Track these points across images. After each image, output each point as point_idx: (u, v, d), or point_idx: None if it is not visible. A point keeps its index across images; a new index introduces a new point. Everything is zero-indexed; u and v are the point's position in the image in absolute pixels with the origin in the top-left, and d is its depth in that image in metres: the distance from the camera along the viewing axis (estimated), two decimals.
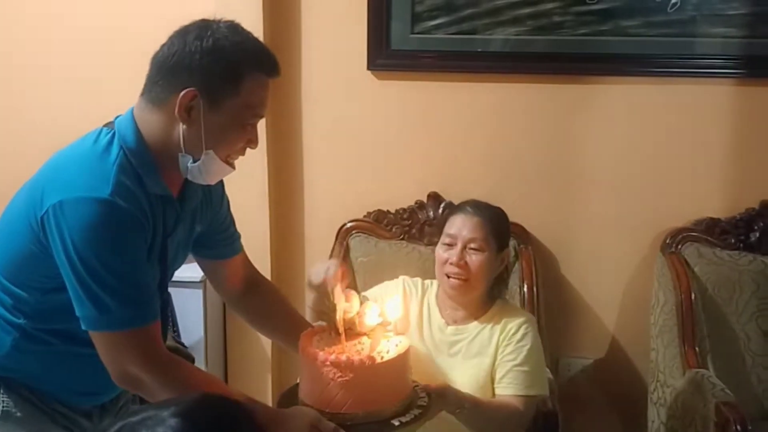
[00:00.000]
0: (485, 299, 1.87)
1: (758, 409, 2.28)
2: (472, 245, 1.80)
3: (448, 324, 1.86)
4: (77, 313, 1.31)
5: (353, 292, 1.56)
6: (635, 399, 2.44)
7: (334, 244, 2.47)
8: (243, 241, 2.44)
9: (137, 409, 0.93)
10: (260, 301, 1.74)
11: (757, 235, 2.39)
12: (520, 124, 2.47)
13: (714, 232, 2.41)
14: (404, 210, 2.49)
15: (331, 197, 2.54)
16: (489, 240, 1.81)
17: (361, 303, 1.56)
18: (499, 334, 1.80)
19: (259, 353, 2.54)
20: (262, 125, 2.34)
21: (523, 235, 2.43)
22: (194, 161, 1.35)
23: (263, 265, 2.47)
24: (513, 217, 2.43)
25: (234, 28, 1.36)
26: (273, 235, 2.52)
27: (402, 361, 1.48)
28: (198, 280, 2.32)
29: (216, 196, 1.59)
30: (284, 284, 2.56)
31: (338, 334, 1.52)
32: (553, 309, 2.51)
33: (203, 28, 1.34)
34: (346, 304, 1.51)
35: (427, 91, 2.48)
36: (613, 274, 2.50)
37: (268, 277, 2.49)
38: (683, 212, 2.43)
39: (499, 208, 1.93)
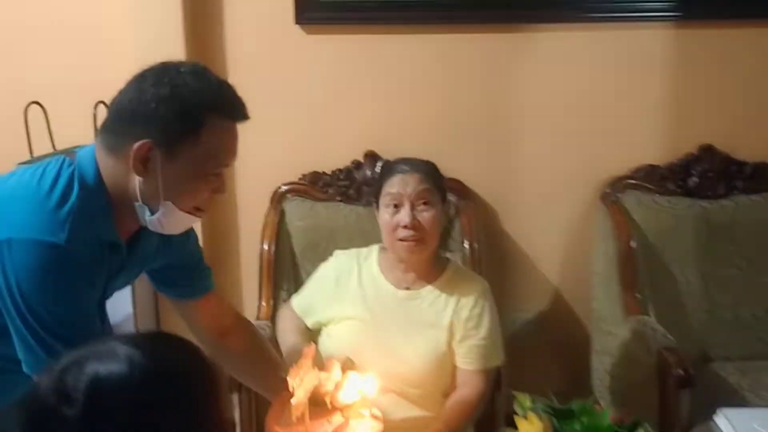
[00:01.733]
0: (435, 259, 1.82)
1: (699, 353, 2.30)
2: (421, 201, 1.73)
3: (399, 288, 1.80)
4: (20, 356, 1.22)
5: (335, 362, 1.45)
6: (579, 349, 2.44)
7: (269, 208, 2.38)
8: None
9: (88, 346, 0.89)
10: (238, 347, 1.61)
11: (696, 180, 2.39)
12: (456, 76, 2.40)
13: (653, 178, 2.40)
14: (340, 170, 2.41)
15: (264, 160, 2.44)
16: (434, 193, 1.75)
17: (343, 372, 1.44)
18: (455, 305, 1.76)
19: None
20: None
21: (462, 190, 2.38)
22: (152, 212, 1.26)
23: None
24: (451, 172, 2.39)
25: (196, 72, 1.27)
26: None
27: None
28: None
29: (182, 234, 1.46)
30: (217, 254, 2.47)
31: (314, 405, 1.39)
32: (496, 263, 2.48)
33: (161, 73, 1.24)
34: (320, 377, 1.39)
35: (358, 46, 2.38)
36: (554, 226, 2.48)
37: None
38: (622, 160, 2.41)
39: (432, 163, 1.86)
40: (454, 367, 1.76)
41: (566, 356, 2.55)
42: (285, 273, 2.32)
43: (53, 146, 2.33)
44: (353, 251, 1.89)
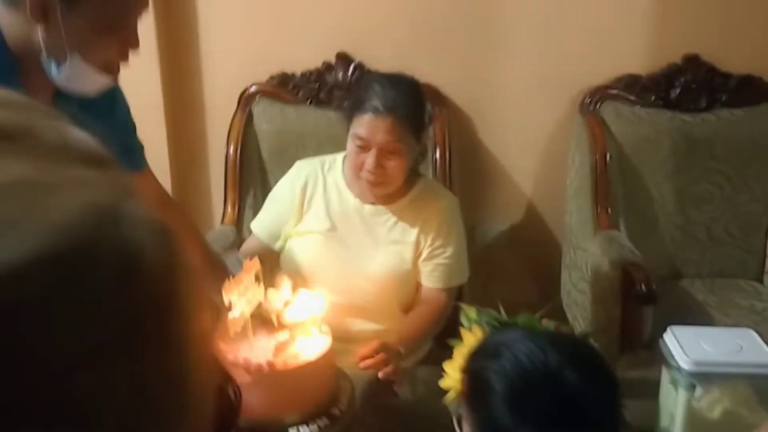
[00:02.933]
0: (405, 183, 1.70)
1: (670, 270, 2.28)
2: (389, 149, 1.57)
3: (365, 203, 1.70)
4: None
5: (285, 279, 1.38)
6: (550, 263, 2.42)
7: (236, 110, 2.30)
8: (134, 110, 2.27)
9: None
10: None
11: (678, 91, 2.30)
12: None
13: (634, 89, 2.31)
14: (311, 72, 2.31)
15: (231, 59, 2.34)
16: (407, 138, 1.59)
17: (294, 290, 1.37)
18: (422, 222, 1.68)
19: None
20: None
21: (437, 97, 2.29)
22: (59, 66, 1.15)
23: (158, 137, 2.31)
24: (427, 77, 2.29)
25: None
26: (167, 103, 2.31)
27: (312, 368, 1.30)
28: None
29: (105, 101, 1.36)
30: (184, 157, 2.41)
31: (263, 322, 1.34)
32: (468, 175, 2.43)
33: None
34: (262, 293, 1.32)
35: None
36: (531, 137, 2.41)
37: (165, 150, 2.34)
38: (603, 69, 2.31)
39: (412, 85, 1.67)
40: (417, 284, 1.72)
41: (538, 271, 2.54)
42: (252, 177, 2.26)
43: None
44: (316, 160, 1.79)
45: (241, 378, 1.24)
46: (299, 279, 1.49)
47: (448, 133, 2.25)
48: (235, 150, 2.23)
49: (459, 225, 1.74)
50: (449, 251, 1.69)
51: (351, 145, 1.61)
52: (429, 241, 1.68)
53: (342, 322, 1.62)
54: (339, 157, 1.76)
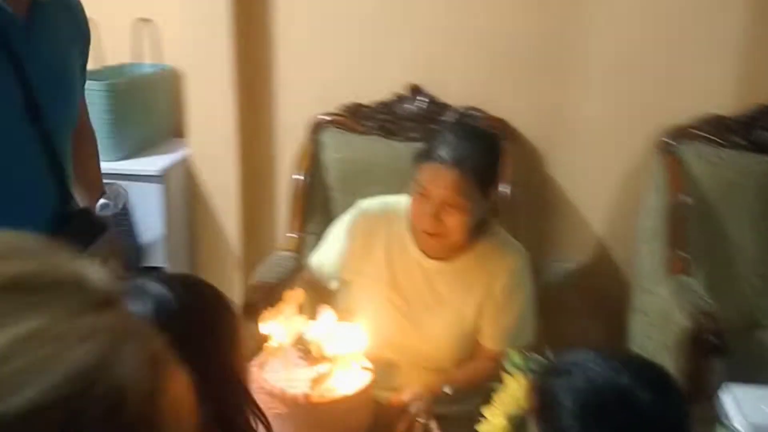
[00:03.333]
0: (470, 237, 1.59)
1: (747, 320, 2.15)
2: (450, 203, 1.49)
3: (428, 257, 1.60)
4: None
5: (327, 310, 1.37)
6: (618, 305, 2.32)
7: (306, 138, 2.33)
8: (209, 135, 2.36)
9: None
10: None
11: (766, 134, 2.18)
12: (510, 8, 2.24)
13: (719, 130, 2.21)
14: (382, 103, 2.32)
15: (305, 89, 2.38)
16: (471, 194, 1.49)
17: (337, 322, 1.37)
18: (487, 280, 1.58)
19: (226, 250, 2.46)
20: (226, 8, 2.23)
21: (506, 130, 2.26)
22: None
23: (229, 158, 2.37)
24: (497, 110, 2.28)
25: None
26: (240, 127, 2.37)
27: (349, 403, 1.29)
28: (157, 173, 2.22)
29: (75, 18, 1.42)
30: (254, 182, 2.46)
31: (304, 353, 1.34)
32: (536, 210, 2.37)
33: None
34: (304, 324, 1.33)
35: None
36: (605, 174, 2.33)
37: (234, 171, 2.39)
38: (685, 107, 2.21)
39: (487, 139, 1.61)
40: (475, 344, 1.63)
41: (604, 312, 2.44)
42: (317, 205, 2.28)
43: (101, 62, 2.35)
44: (380, 202, 1.70)
45: (278, 408, 1.24)
46: (346, 315, 1.46)
47: (516, 168, 2.21)
48: (302, 177, 2.26)
49: (526, 284, 1.64)
50: (514, 312, 1.60)
51: (413, 191, 1.54)
52: (492, 301, 1.59)
53: (392, 372, 1.58)
54: (403, 201, 1.63)
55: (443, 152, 1.49)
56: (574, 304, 2.44)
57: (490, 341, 1.61)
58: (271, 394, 1.25)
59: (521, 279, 1.62)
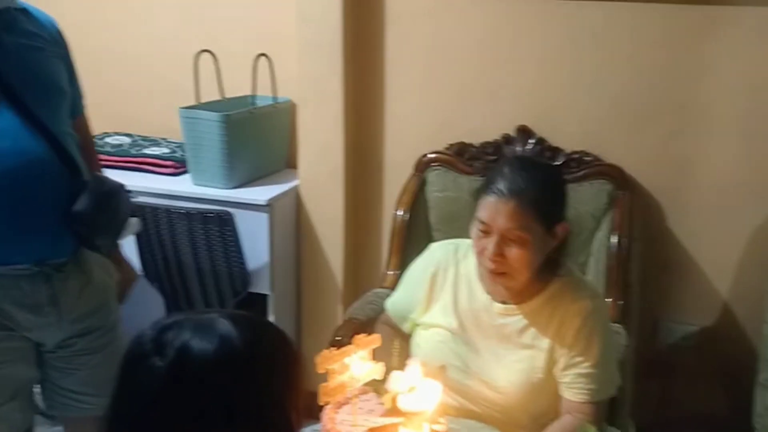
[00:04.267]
0: (539, 278, 1.53)
1: None
2: (511, 236, 1.44)
3: (495, 300, 1.55)
4: None
5: (416, 363, 1.31)
6: (742, 377, 2.11)
7: (411, 176, 2.31)
8: (318, 167, 2.39)
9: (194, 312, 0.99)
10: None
11: None
12: (629, 49, 2.13)
13: None
14: (489, 144, 2.26)
15: (412, 126, 2.36)
16: (532, 226, 1.44)
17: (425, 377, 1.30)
18: (558, 325, 1.50)
19: (329, 281, 2.47)
20: (340, 46, 2.27)
21: (621, 179, 2.12)
22: None
23: (336, 190, 2.39)
24: (612, 157, 2.17)
25: None
26: (349, 160, 2.39)
27: None
28: (264, 203, 2.26)
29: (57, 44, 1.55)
30: (358, 213, 2.46)
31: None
32: (655, 266, 2.22)
33: None
34: (382, 372, 1.29)
35: (520, 10, 2.19)
36: (731, 231, 2.14)
37: (342, 204, 2.41)
38: None
39: (547, 171, 1.57)
40: (552, 395, 1.53)
41: (726, 382, 2.23)
42: (417, 243, 2.22)
43: (221, 93, 2.45)
44: (451, 245, 1.66)
45: None
46: (432, 369, 1.40)
47: (630, 219, 2.07)
48: (403, 214, 2.23)
49: (603, 329, 1.53)
50: (591, 359, 1.48)
51: (474, 229, 1.50)
52: (566, 348, 1.49)
53: (467, 425, 1.52)
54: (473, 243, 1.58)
55: (501, 185, 1.45)
56: (692, 370, 2.25)
57: (568, 392, 1.51)
58: None
59: (595, 324, 1.50)
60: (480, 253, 1.49)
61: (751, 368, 2.07)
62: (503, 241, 1.45)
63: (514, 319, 1.54)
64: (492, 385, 1.53)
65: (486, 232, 1.47)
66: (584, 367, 1.49)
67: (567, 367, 1.50)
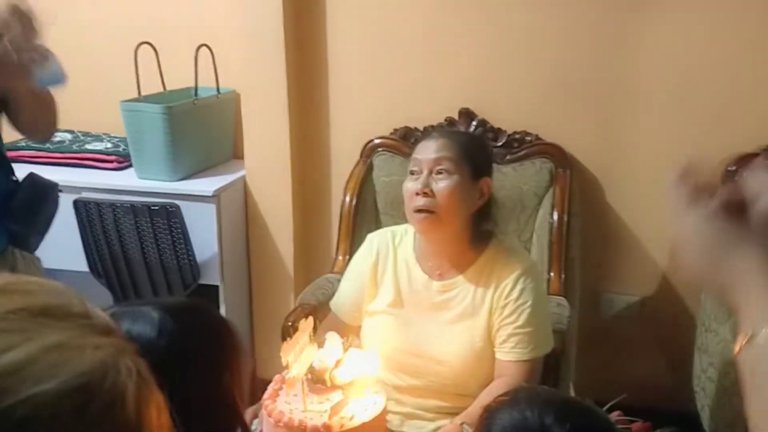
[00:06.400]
0: (469, 243, 1.58)
1: None
2: (439, 168, 1.52)
3: (433, 279, 1.60)
4: None
5: (335, 338, 1.37)
6: (682, 343, 2.20)
7: (358, 161, 2.34)
8: (264, 156, 2.40)
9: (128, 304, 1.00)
10: None
11: None
12: (563, 31, 2.19)
13: None
14: (433, 127, 2.29)
15: (357, 113, 2.39)
16: (459, 163, 1.52)
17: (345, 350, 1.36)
18: (493, 290, 1.56)
19: (280, 269, 2.48)
20: (282, 35, 2.27)
21: (560, 157, 2.19)
22: None
23: (284, 180, 2.40)
24: (551, 136, 2.22)
25: None
26: (295, 150, 2.40)
27: (368, 429, 1.26)
28: (210, 194, 2.26)
29: None
30: (306, 201, 2.48)
31: (316, 383, 1.33)
32: (595, 240, 2.29)
33: None
34: (317, 353, 1.32)
35: None
36: (666, 203, 2.21)
37: (289, 193, 2.42)
38: (752, 136, 2.08)
39: (475, 135, 1.70)
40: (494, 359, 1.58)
41: (667, 349, 2.32)
42: (366, 228, 2.25)
43: (163, 86, 2.43)
44: (387, 232, 1.71)
45: None
46: (351, 339, 1.45)
47: (569, 195, 2.13)
48: (351, 200, 2.25)
49: (536, 289, 1.58)
50: (522, 320, 1.54)
51: (406, 181, 1.58)
52: (500, 311, 1.55)
53: (417, 401, 1.57)
54: (411, 229, 1.65)
55: (436, 132, 1.65)
56: (635, 339, 2.33)
57: (501, 352, 1.56)
58: (290, 427, 1.24)
59: (527, 284, 1.56)
60: (409, 199, 1.55)
61: (690, 335, 2.16)
62: (430, 175, 1.53)
63: (453, 293, 1.59)
64: (438, 360, 1.57)
65: (416, 173, 1.55)
66: (516, 327, 1.55)
67: (500, 328, 1.55)
